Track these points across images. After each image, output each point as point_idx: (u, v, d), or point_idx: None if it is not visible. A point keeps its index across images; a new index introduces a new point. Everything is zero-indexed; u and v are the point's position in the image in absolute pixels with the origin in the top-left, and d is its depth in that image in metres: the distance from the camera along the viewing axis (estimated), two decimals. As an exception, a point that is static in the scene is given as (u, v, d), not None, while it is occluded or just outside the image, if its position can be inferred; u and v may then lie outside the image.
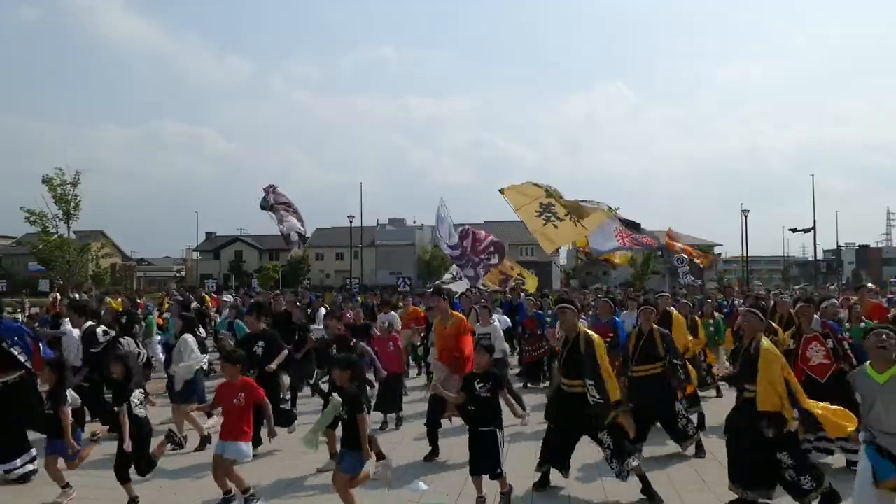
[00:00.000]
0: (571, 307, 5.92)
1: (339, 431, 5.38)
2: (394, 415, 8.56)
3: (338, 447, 6.08)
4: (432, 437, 7.03)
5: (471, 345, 7.06)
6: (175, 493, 5.90)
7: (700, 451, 6.86)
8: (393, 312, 11.73)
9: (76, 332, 8.38)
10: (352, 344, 7.55)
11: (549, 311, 12.44)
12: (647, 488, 5.58)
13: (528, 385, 11.43)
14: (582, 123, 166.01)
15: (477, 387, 5.49)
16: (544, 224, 12.45)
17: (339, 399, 5.09)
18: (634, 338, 7.18)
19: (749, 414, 5.20)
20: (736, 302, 16.07)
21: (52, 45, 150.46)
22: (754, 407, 5.13)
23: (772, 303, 10.41)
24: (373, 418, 6.77)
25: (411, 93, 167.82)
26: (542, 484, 5.99)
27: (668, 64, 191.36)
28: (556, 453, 5.90)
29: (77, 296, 18.48)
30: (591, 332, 5.85)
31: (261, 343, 7.42)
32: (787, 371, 5.23)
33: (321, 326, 10.53)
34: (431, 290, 8.67)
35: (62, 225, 27.05)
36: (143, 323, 12.07)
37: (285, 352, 7.52)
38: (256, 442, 7.25)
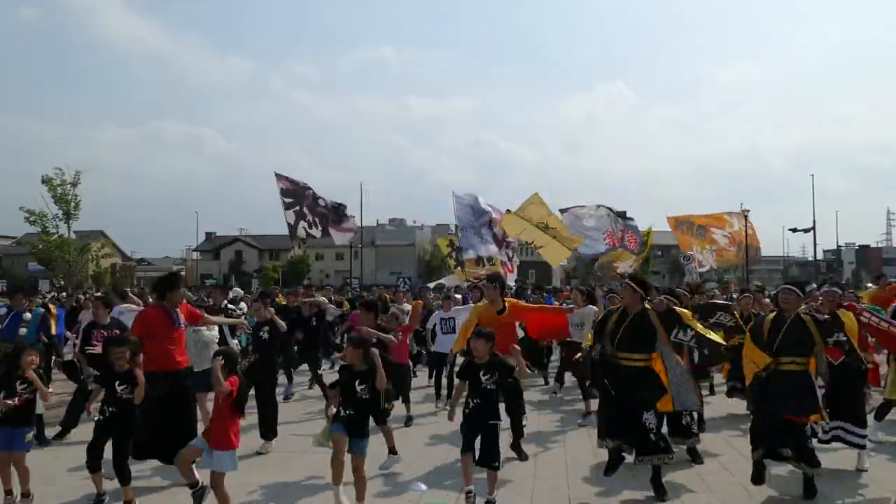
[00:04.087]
0: (634, 286, 5.98)
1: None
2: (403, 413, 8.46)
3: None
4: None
5: (515, 332, 7.42)
6: (176, 493, 5.89)
7: (697, 458, 6.75)
8: (406, 305, 11.84)
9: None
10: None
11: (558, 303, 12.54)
12: (656, 478, 5.65)
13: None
14: (582, 123, 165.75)
15: (483, 378, 5.24)
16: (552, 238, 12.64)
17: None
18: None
19: (790, 384, 5.51)
20: (734, 296, 16.13)
21: (52, 45, 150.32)
22: (796, 378, 5.52)
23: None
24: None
25: (411, 93, 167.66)
26: (612, 467, 5.83)
27: (668, 64, 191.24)
28: (616, 424, 5.77)
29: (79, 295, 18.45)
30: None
31: (266, 328, 7.67)
32: None
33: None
34: (485, 278, 8.52)
35: (62, 225, 27.06)
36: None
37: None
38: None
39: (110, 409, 5.32)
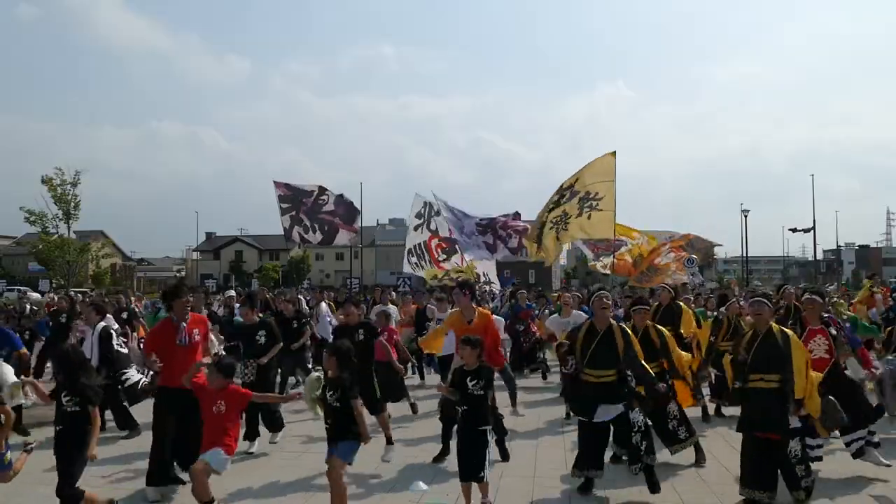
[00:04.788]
0: (608, 299, 6.01)
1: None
2: (406, 403, 8.79)
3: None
4: (446, 436, 6.76)
5: (497, 340, 7.41)
6: (176, 492, 5.89)
7: (700, 457, 6.67)
8: (392, 305, 11.79)
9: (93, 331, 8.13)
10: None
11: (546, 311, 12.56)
12: (650, 477, 5.64)
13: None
14: (582, 123, 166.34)
15: (470, 384, 5.21)
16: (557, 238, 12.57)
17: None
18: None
19: (765, 404, 5.24)
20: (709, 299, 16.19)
21: (51, 44, 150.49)
22: (772, 396, 5.22)
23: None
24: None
25: (411, 92, 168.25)
26: (586, 488, 5.80)
27: (668, 64, 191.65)
28: (591, 454, 5.72)
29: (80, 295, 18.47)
30: (623, 325, 6.16)
31: (262, 332, 7.56)
32: (809, 359, 5.43)
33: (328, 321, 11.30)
34: (455, 284, 8.51)
35: (62, 225, 27.14)
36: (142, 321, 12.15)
37: (280, 344, 7.66)
38: (254, 435, 7.32)
39: (58, 426, 4.92)
